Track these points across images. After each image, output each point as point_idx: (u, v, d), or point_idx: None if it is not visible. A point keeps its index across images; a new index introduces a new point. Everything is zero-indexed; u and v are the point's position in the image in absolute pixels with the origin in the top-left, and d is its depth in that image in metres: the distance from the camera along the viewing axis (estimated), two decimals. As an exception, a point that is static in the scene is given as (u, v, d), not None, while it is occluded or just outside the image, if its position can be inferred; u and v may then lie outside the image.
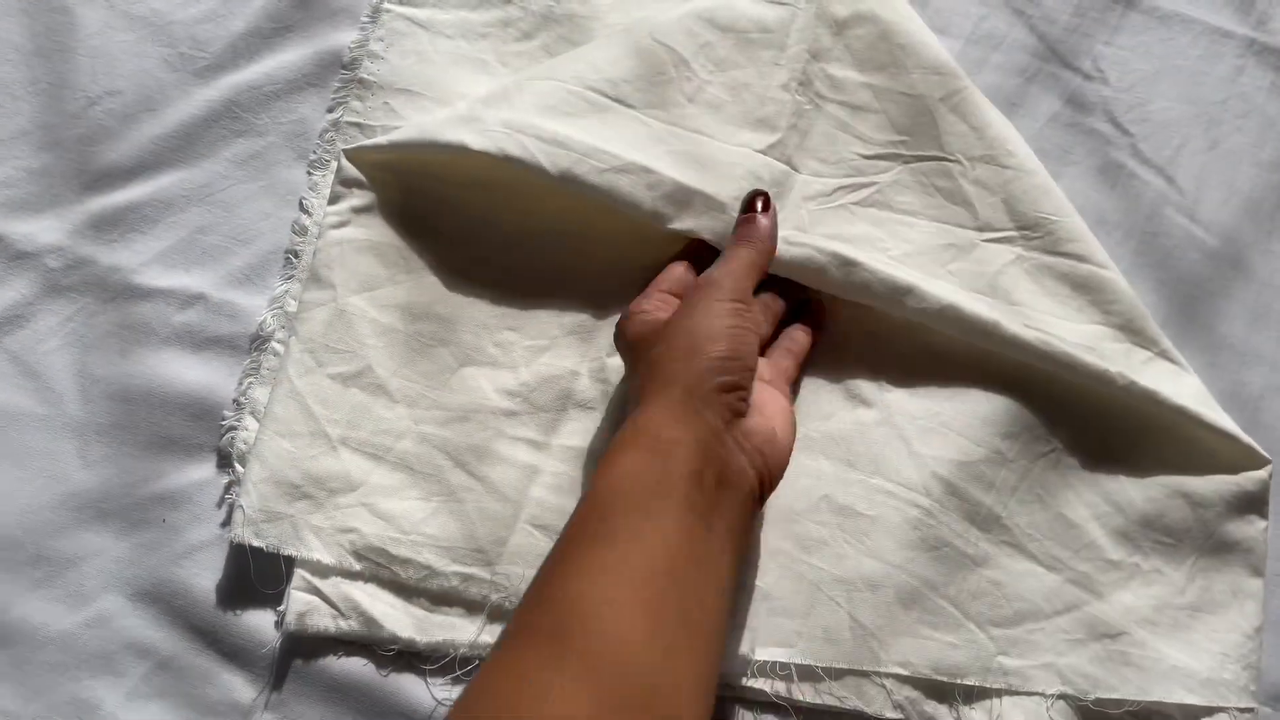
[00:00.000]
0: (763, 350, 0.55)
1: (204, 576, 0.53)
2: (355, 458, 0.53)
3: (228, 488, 0.54)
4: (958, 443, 0.56)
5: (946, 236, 0.58)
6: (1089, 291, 0.57)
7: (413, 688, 0.51)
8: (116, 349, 0.55)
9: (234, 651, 0.52)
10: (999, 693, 0.53)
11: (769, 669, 0.52)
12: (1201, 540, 0.55)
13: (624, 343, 0.51)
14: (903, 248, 0.57)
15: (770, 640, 0.53)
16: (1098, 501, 0.56)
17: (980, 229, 0.58)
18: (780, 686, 0.52)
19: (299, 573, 0.52)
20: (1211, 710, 0.53)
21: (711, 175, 0.55)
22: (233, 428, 0.55)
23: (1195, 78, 0.66)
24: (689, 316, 0.48)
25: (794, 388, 0.56)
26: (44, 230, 0.57)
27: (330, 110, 0.60)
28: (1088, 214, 0.62)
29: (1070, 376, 0.55)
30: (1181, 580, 0.55)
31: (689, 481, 0.43)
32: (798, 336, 0.56)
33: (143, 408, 0.54)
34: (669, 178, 0.54)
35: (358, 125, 0.60)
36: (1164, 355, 0.56)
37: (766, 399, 0.50)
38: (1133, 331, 0.56)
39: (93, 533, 0.53)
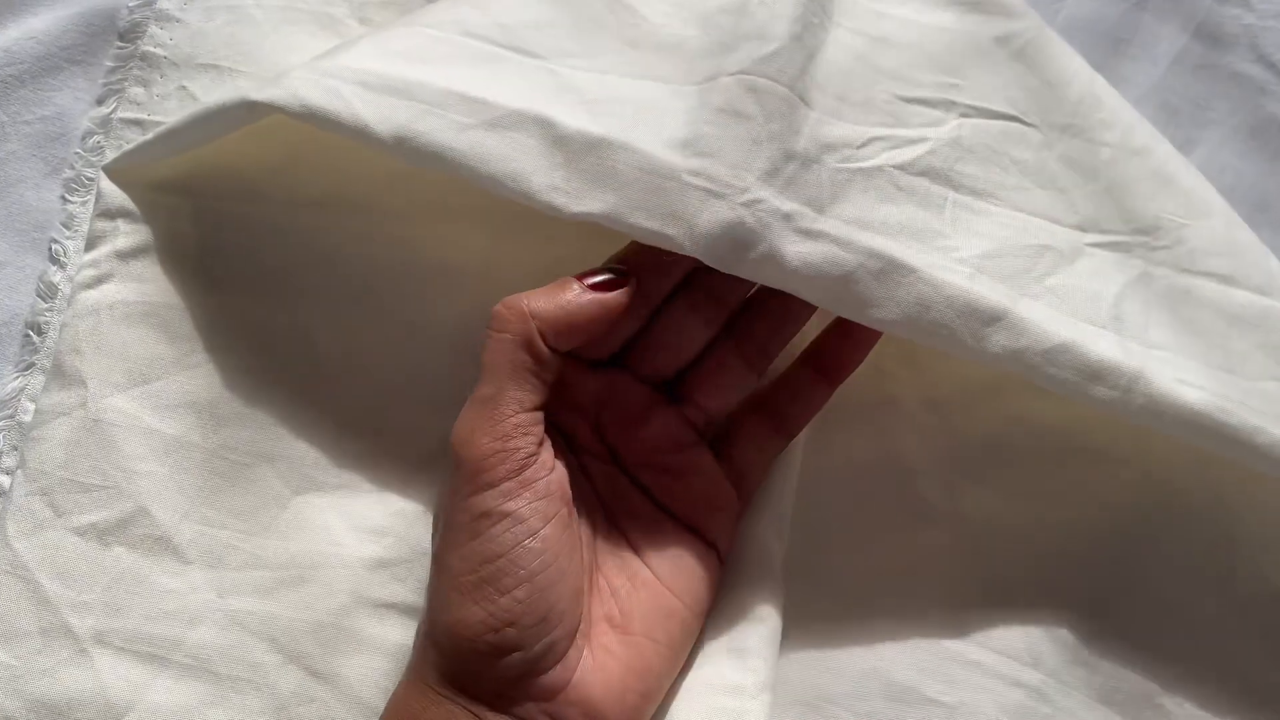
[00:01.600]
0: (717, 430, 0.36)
1: None
2: (120, 664, 0.33)
3: None
4: (1077, 578, 0.36)
5: (1040, 234, 0.37)
6: (1253, 330, 0.37)
7: None
8: None
9: None
10: None
11: None
12: None
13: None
14: (977, 246, 0.36)
15: None
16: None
17: (1082, 228, 0.37)
18: None
19: None
20: None
21: (653, 119, 0.34)
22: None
23: (1378, -9, 0.46)
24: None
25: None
26: None
27: (100, 102, 0.41)
28: (1240, 197, 0.43)
29: (1252, 463, 0.35)
30: None
31: None
32: (801, 397, 0.36)
33: None
34: (579, 130, 0.32)
35: (138, 123, 0.40)
36: None
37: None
38: None
39: None
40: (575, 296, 0.31)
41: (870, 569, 0.37)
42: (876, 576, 0.37)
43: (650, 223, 0.32)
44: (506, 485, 0.29)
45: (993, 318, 0.34)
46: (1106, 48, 0.45)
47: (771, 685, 0.33)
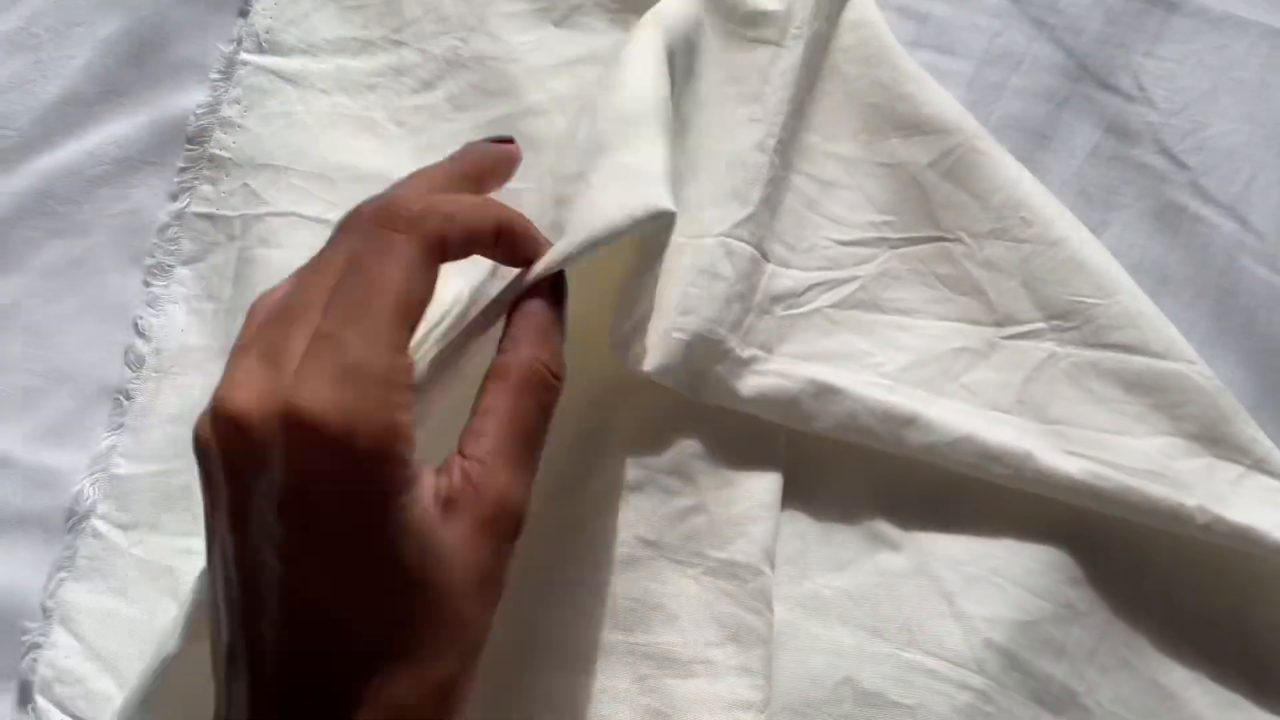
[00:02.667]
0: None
1: None
2: None
3: None
4: (1015, 595, 0.43)
5: (956, 339, 0.45)
6: (1149, 392, 0.44)
7: None
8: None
9: None
10: None
11: None
12: None
13: None
14: (899, 360, 0.44)
15: None
16: (1200, 660, 0.43)
17: (999, 324, 0.45)
18: None
19: None
20: None
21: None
22: (36, 645, 0.41)
23: (1260, 91, 0.54)
24: None
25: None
26: None
27: (174, 198, 0.47)
28: (1145, 272, 0.51)
29: (1134, 518, 0.42)
30: None
31: None
32: (530, 322, 0.32)
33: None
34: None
35: (209, 217, 0.47)
36: (1262, 468, 0.43)
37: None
38: (1214, 440, 0.43)
39: None
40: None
41: (842, 590, 0.43)
42: (848, 598, 0.43)
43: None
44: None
45: (907, 421, 0.42)
46: (1032, 142, 0.52)
47: (769, 701, 0.40)
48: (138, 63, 0.49)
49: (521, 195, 0.44)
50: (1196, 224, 0.52)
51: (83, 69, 0.48)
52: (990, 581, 0.43)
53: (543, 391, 0.30)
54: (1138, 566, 0.44)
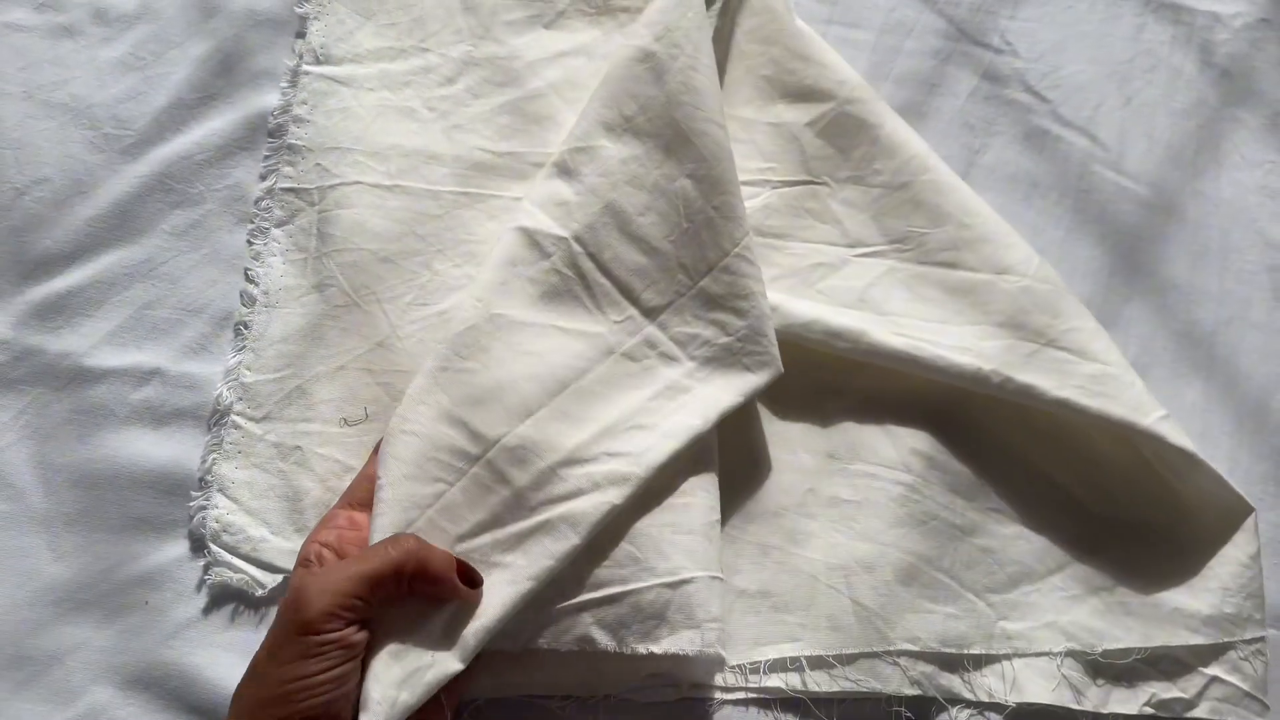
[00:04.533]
0: None
1: (196, 654, 0.51)
2: None
3: (206, 569, 0.53)
4: (934, 416, 0.56)
5: (816, 256, 0.59)
6: (965, 295, 0.57)
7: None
8: (75, 435, 0.54)
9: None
10: (1007, 656, 0.53)
11: (781, 665, 0.52)
12: (1177, 486, 0.56)
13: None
14: (772, 272, 0.58)
15: (776, 638, 0.52)
16: (1077, 462, 0.57)
17: (850, 245, 0.59)
18: (795, 680, 0.52)
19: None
20: (1223, 647, 0.53)
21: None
22: (202, 508, 0.54)
23: (1100, 40, 0.69)
24: (262, 648, 0.42)
25: None
26: (-15, 326, 0.56)
27: (263, 178, 0.60)
28: (1020, 181, 0.65)
29: (944, 379, 0.55)
30: (1169, 521, 0.55)
31: None
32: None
33: (109, 491, 0.53)
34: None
35: (293, 190, 0.59)
36: (1056, 344, 0.55)
37: None
38: (1015, 326, 0.55)
39: (73, 625, 0.52)
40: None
41: (803, 428, 0.57)
42: (807, 432, 0.57)
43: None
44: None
45: (774, 308, 0.54)
46: (925, 90, 0.66)
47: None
48: (225, 73, 0.62)
49: (526, 157, 0.59)
50: (1057, 143, 0.66)
51: (183, 81, 0.61)
52: (908, 413, 0.57)
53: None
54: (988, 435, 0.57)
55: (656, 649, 0.47)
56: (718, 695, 0.51)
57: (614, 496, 0.48)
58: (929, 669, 0.52)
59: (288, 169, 0.60)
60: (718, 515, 0.51)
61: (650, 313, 0.53)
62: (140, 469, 0.54)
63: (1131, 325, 0.62)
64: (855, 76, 0.61)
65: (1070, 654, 0.53)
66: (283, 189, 0.59)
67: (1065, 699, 0.52)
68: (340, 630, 0.41)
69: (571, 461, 0.49)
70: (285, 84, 0.62)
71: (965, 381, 0.54)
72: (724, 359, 0.52)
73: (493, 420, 0.49)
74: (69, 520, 0.53)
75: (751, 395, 0.52)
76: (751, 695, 0.52)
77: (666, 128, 0.54)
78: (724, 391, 0.52)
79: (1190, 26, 0.69)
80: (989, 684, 0.53)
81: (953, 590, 0.54)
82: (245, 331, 0.57)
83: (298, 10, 0.63)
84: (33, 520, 0.53)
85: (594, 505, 0.48)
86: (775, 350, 0.53)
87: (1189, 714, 0.53)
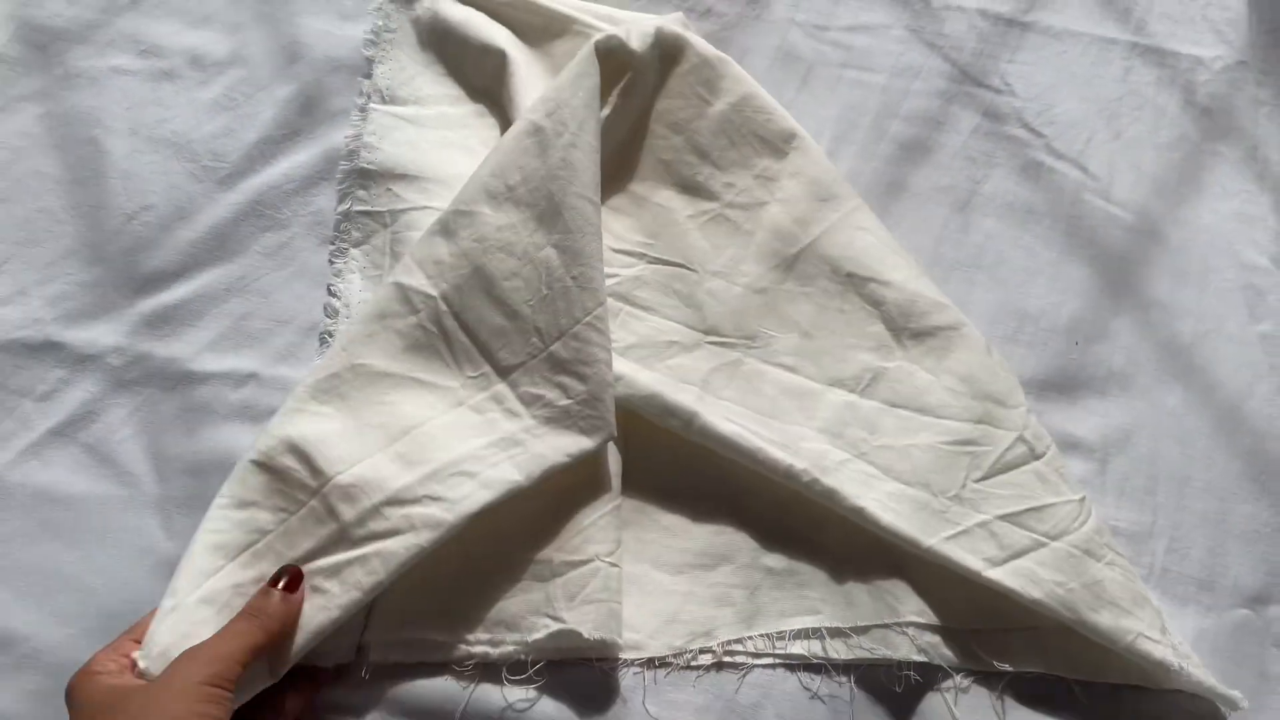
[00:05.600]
0: None
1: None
2: None
3: None
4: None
5: (673, 334, 0.63)
6: (796, 398, 0.62)
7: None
8: (183, 430, 0.61)
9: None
10: (1004, 630, 0.59)
11: (804, 634, 0.58)
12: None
13: (75, 707, 0.46)
14: (627, 339, 0.62)
15: (799, 611, 0.59)
16: None
17: (706, 332, 0.63)
18: (816, 647, 0.58)
19: None
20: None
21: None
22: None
23: (1090, 81, 0.76)
24: (164, 697, 0.43)
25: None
26: (102, 334, 0.63)
27: (340, 201, 0.67)
28: (1017, 208, 0.71)
29: (760, 470, 0.59)
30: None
31: None
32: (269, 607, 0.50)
33: (214, 477, 0.59)
34: None
35: (368, 213, 0.66)
36: (864, 458, 0.60)
37: None
38: (834, 435, 0.61)
39: (185, 594, 0.58)
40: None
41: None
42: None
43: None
44: None
45: (618, 378, 0.58)
46: (931, 126, 0.72)
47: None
48: (307, 113, 0.69)
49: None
50: (1052, 174, 0.72)
51: (270, 119, 0.69)
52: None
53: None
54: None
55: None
56: (749, 660, 0.58)
57: (424, 539, 0.52)
58: (934, 639, 0.58)
59: (361, 193, 0.67)
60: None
61: (503, 371, 0.57)
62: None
63: (1118, 337, 0.68)
64: (745, 180, 0.66)
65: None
66: (358, 211, 0.66)
67: (1058, 667, 0.58)
68: (229, 693, 0.45)
69: (395, 501, 0.53)
70: (356, 117, 0.69)
71: (778, 475, 0.59)
72: (561, 420, 0.56)
73: (333, 459, 0.54)
74: (179, 503, 0.60)
75: (579, 457, 0.55)
76: (779, 660, 0.58)
77: (542, 199, 0.58)
78: (553, 451, 0.55)
79: (1174, 69, 0.76)
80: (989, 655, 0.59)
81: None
82: (328, 340, 0.64)
83: (365, 53, 0.71)
84: (148, 503, 0.60)
85: (404, 545, 0.52)
86: (610, 416, 0.56)
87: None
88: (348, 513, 0.53)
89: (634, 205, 0.66)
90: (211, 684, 0.44)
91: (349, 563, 0.52)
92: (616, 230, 0.65)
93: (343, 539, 0.53)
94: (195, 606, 0.51)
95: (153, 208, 0.66)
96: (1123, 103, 0.75)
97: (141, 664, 0.49)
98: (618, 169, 0.66)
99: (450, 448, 0.55)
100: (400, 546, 0.52)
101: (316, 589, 0.52)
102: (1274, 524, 0.64)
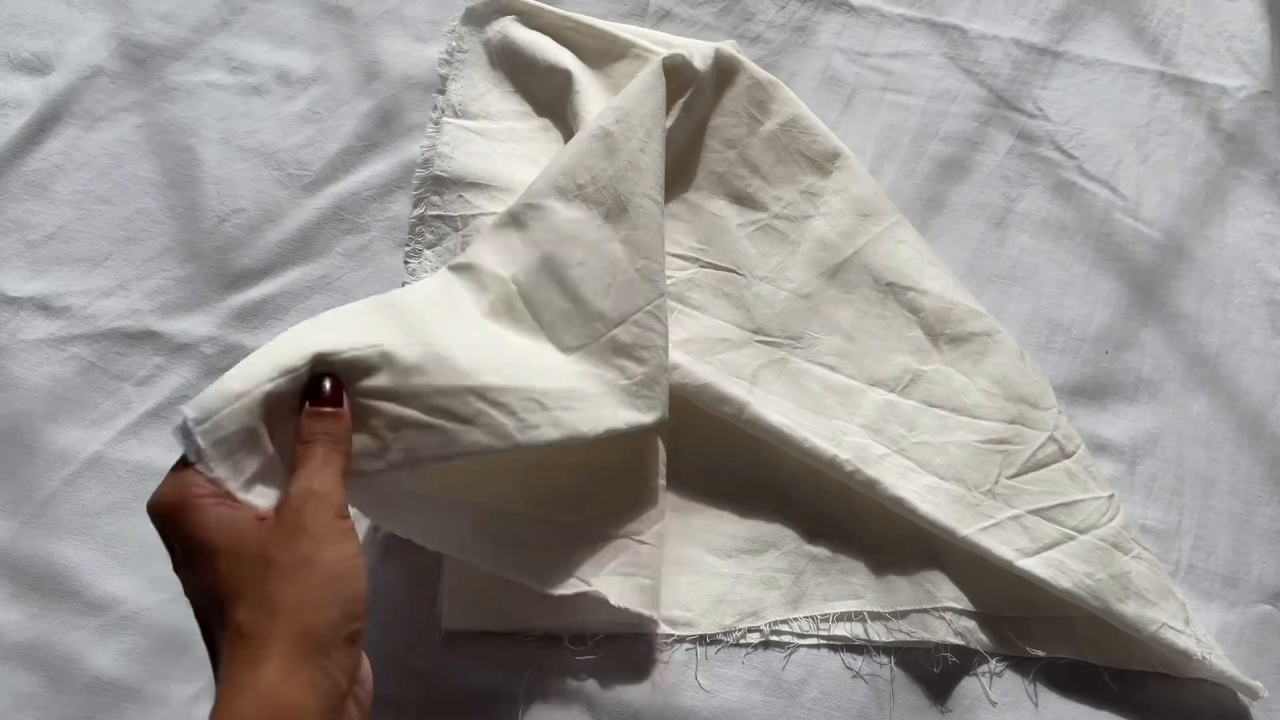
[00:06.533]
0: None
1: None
2: None
3: None
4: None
5: (724, 332, 0.67)
6: (838, 395, 0.66)
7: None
8: (271, 414, 0.66)
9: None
10: (1037, 618, 0.62)
11: (847, 617, 0.62)
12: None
13: (185, 537, 0.42)
14: (680, 335, 0.66)
15: (842, 595, 0.62)
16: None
17: (754, 331, 0.67)
18: (858, 630, 0.62)
19: None
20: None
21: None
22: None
23: (1120, 107, 0.80)
24: (311, 542, 0.41)
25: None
26: (196, 325, 0.68)
27: (415, 206, 0.71)
28: (1050, 225, 0.75)
29: (805, 459, 0.63)
30: None
31: None
32: (329, 427, 0.46)
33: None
34: None
35: (441, 218, 0.71)
36: (903, 453, 0.64)
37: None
38: (875, 430, 0.65)
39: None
40: None
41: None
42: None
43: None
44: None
45: (674, 366, 0.62)
46: (968, 148, 0.76)
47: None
48: (385, 126, 0.74)
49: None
50: (1083, 194, 0.76)
51: (351, 132, 0.74)
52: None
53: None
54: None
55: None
56: (795, 640, 0.61)
57: (490, 442, 0.51)
58: (970, 624, 0.62)
59: (435, 199, 0.71)
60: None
61: (565, 351, 0.59)
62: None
63: (1146, 347, 0.72)
64: (792, 194, 0.70)
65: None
66: (432, 216, 0.70)
67: (1088, 654, 0.62)
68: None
69: (481, 395, 0.51)
70: (430, 129, 0.73)
71: (822, 465, 0.63)
72: (619, 396, 0.58)
73: (436, 329, 0.53)
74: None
75: (636, 429, 0.57)
76: (822, 641, 0.61)
77: (610, 198, 0.61)
78: (612, 417, 0.57)
79: (1200, 97, 0.80)
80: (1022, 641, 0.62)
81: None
82: (402, 335, 0.68)
83: (439, 72, 0.76)
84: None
85: (471, 439, 0.50)
86: (665, 399, 0.58)
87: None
88: (438, 377, 0.50)
89: (689, 213, 0.70)
90: (345, 516, 0.43)
91: (415, 423, 0.49)
92: (672, 235, 0.69)
93: (417, 397, 0.49)
94: (258, 403, 0.45)
95: (243, 211, 0.71)
96: (1151, 128, 0.79)
97: (218, 471, 0.43)
98: (675, 178, 0.70)
99: (530, 375, 0.55)
100: (467, 438, 0.50)
101: (371, 432, 0.48)
102: (1295, 526, 0.67)
